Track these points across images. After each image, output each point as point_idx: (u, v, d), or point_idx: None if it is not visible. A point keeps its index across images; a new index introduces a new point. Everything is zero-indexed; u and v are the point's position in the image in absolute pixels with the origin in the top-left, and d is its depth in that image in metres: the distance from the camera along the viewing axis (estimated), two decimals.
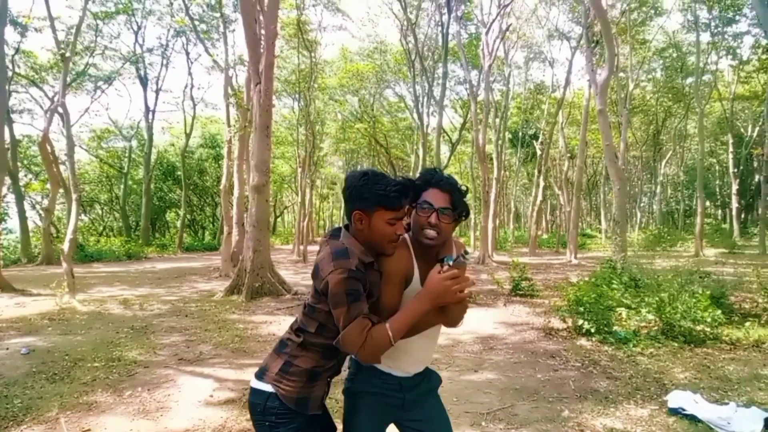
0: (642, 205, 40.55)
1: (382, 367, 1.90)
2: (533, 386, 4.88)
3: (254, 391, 1.86)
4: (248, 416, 3.94)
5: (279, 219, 53.33)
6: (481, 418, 4.00)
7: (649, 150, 39.54)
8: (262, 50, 11.01)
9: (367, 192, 1.74)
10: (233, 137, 15.94)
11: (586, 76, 20.29)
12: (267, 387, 1.82)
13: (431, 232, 1.78)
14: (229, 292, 10.73)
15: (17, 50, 22.32)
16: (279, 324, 7.90)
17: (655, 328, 6.74)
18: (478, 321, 7.96)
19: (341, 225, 1.92)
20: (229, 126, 16.71)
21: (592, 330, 6.58)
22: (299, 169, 25.66)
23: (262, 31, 11.19)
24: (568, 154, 29.02)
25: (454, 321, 1.89)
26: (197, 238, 37.91)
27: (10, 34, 21.14)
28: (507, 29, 22.94)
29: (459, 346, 6.38)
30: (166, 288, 12.53)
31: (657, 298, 6.96)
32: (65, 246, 9.42)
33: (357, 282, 1.67)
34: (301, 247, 22.71)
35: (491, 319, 8.32)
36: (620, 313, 7.22)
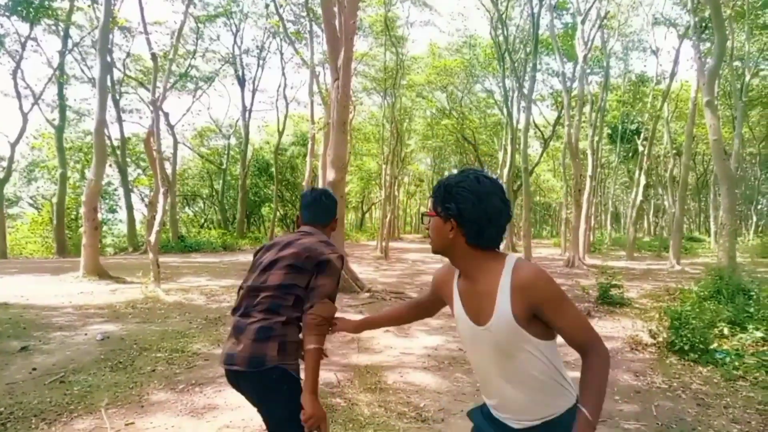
0: (760, 207, 36.39)
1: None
2: (608, 408, 4.32)
3: (260, 374, 2.00)
4: None
5: (366, 215, 54.02)
6: None
7: None
8: (341, 47, 10.96)
9: None
10: (317, 133, 16.16)
11: (694, 66, 18.49)
12: (272, 368, 1.99)
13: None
14: None
15: (128, 54, 24.25)
16: None
17: (765, 348, 5.81)
18: None
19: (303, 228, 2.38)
20: (313, 123, 16.97)
21: (686, 348, 5.80)
22: (384, 166, 25.67)
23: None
24: (674, 151, 26.68)
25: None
26: (289, 232, 39.29)
27: (119, 38, 23.00)
28: (605, 17, 21.44)
29: None
30: None
31: None
32: (152, 237, 9.92)
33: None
34: (383, 244, 22.69)
35: None
36: (721, 329, 6.34)
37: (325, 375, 5.06)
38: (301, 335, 2.07)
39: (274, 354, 1.98)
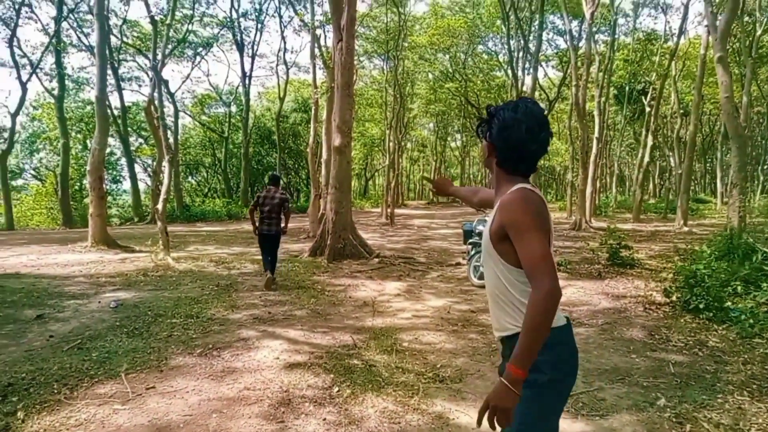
0: (766, 167, 35.93)
1: None
2: (625, 367, 4.33)
3: (278, 234, 7.51)
4: (309, 382, 3.84)
5: (370, 182, 53.81)
6: None
7: None
8: (344, 5, 10.66)
9: None
10: (320, 98, 15.90)
11: (704, 22, 18.01)
12: (280, 232, 7.58)
13: None
14: (312, 253, 10.81)
15: (124, 20, 23.72)
16: (358, 289, 7.79)
17: None
18: (566, 291, 7.35)
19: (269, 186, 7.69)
20: (315, 87, 16.68)
21: (701, 306, 5.78)
22: (387, 131, 25.38)
23: None
24: (681, 111, 26.27)
25: None
26: (293, 200, 39.25)
27: (116, 3, 22.44)
28: None
29: None
30: (258, 247, 12.86)
31: None
32: (159, 205, 9.88)
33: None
34: (389, 210, 22.64)
35: (582, 289, 7.67)
36: (735, 288, 6.30)
37: (343, 338, 5.08)
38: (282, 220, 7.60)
39: (280, 228, 7.52)
